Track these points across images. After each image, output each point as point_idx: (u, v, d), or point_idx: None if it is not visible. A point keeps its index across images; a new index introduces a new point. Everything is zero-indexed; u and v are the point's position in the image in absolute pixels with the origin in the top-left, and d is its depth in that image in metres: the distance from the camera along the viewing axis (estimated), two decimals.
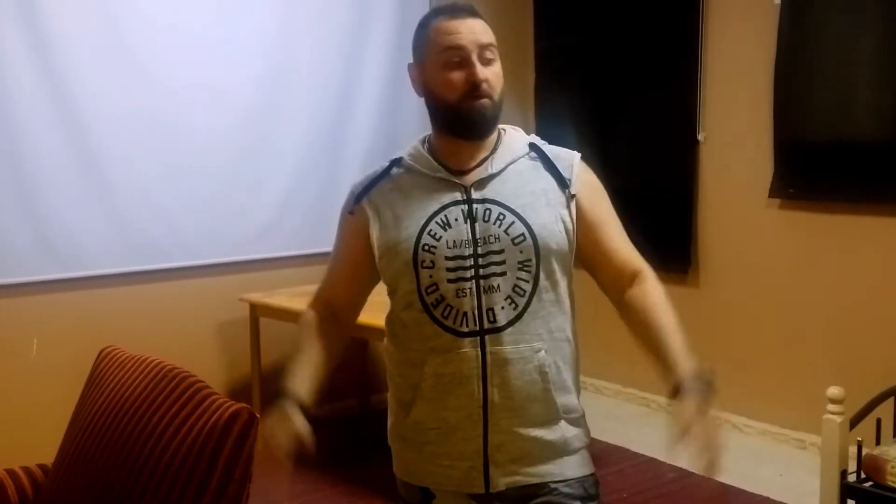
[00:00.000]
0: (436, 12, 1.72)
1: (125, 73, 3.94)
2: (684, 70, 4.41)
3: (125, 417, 2.03)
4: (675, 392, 1.63)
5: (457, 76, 1.65)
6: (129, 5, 3.94)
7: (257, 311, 4.12)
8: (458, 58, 1.65)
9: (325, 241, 4.40)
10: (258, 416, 1.86)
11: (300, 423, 1.70)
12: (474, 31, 1.65)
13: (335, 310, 1.85)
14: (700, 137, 4.40)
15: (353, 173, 4.35)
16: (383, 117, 4.65)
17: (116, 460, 1.96)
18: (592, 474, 1.78)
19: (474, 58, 1.64)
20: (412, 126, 4.58)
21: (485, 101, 1.65)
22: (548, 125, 4.98)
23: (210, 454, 1.79)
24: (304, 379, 1.79)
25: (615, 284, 1.76)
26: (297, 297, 4.08)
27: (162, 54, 4.02)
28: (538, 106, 5.15)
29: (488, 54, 1.66)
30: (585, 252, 1.74)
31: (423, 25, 1.73)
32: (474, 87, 1.64)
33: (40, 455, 2.47)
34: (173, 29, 4.05)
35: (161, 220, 4.09)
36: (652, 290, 1.74)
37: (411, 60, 1.76)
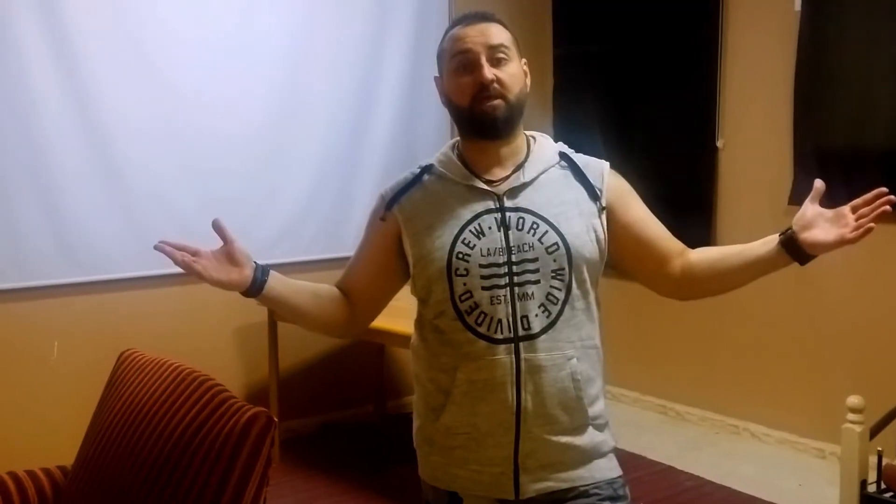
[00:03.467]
0: (454, 23, 1.74)
1: (146, 82, 3.97)
2: (703, 76, 4.40)
3: (144, 420, 2.04)
4: (786, 237, 1.67)
5: (466, 80, 1.67)
6: (150, 16, 3.97)
7: (275, 315, 4.13)
8: (467, 62, 1.67)
9: (342, 246, 4.46)
10: (275, 420, 1.86)
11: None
12: (484, 33, 1.67)
13: (351, 302, 1.82)
14: (719, 144, 4.39)
15: (370, 181, 4.46)
16: (401, 126, 4.66)
17: (135, 463, 1.97)
18: (620, 476, 1.79)
19: (483, 60, 1.66)
20: (430, 134, 4.60)
21: (496, 101, 1.66)
22: (566, 132, 4.97)
23: (228, 458, 1.80)
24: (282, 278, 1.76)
25: (664, 269, 1.78)
26: None
27: (182, 64, 4.05)
28: (556, 113, 5.15)
29: (500, 55, 1.67)
30: (627, 251, 1.77)
31: (443, 38, 1.75)
32: (483, 89, 1.65)
33: (60, 457, 2.49)
34: (193, 39, 4.07)
35: (180, 225, 4.11)
36: (705, 250, 1.81)
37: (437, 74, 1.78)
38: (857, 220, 1.61)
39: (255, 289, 1.70)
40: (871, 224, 1.59)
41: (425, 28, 4.69)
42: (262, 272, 1.71)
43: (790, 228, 1.66)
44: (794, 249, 1.65)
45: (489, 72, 1.65)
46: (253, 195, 4.31)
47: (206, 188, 4.16)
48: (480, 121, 1.68)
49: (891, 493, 2.77)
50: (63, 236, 3.84)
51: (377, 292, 1.82)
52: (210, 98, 4.14)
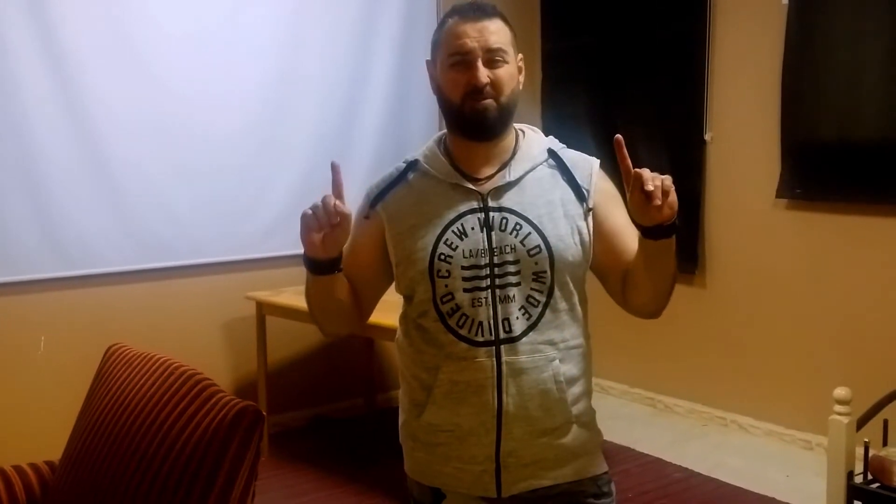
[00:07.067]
0: (454, 12, 1.70)
1: (134, 78, 3.96)
2: (691, 70, 4.41)
3: (132, 414, 2.03)
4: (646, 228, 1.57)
5: (461, 78, 1.65)
6: (138, 12, 3.96)
7: (264, 309, 4.13)
8: (463, 61, 1.65)
9: None
10: (264, 413, 1.86)
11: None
12: (483, 33, 1.64)
13: None
14: (707, 137, 4.40)
15: (360, 174, 4.45)
16: (390, 118, 4.66)
17: (123, 457, 1.96)
18: (605, 473, 1.78)
19: (479, 62, 1.64)
20: (419, 127, 4.59)
21: (487, 101, 1.65)
22: (555, 126, 4.97)
23: (216, 452, 1.80)
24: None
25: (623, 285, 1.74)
26: (302, 295, 4.08)
27: (170, 59, 4.04)
28: (545, 107, 5.15)
29: (496, 58, 1.65)
30: (599, 259, 1.73)
31: (441, 25, 1.72)
32: (475, 90, 1.64)
33: (48, 452, 2.48)
34: (182, 34, 4.06)
35: (168, 219, 4.11)
36: None
37: (428, 58, 1.76)
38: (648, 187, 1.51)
39: (337, 261, 1.64)
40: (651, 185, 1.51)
41: (414, 22, 4.68)
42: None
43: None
44: (641, 230, 1.58)
45: (483, 75, 1.64)
46: (243, 189, 4.31)
47: (195, 183, 4.15)
48: (470, 120, 1.67)
49: (878, 484, 2.79)
50: (51, 231, 3.82)
51: (369, 295, 1.80)
52: (199, 93, 4.13)
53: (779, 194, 4.10)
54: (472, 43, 1.64)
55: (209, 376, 2.04)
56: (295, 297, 4.02)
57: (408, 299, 1.74)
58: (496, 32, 1.66)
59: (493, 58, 1.65)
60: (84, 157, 3.87)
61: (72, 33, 3.79)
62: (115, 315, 3.98)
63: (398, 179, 1.75)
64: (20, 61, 3.69)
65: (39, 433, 3.38)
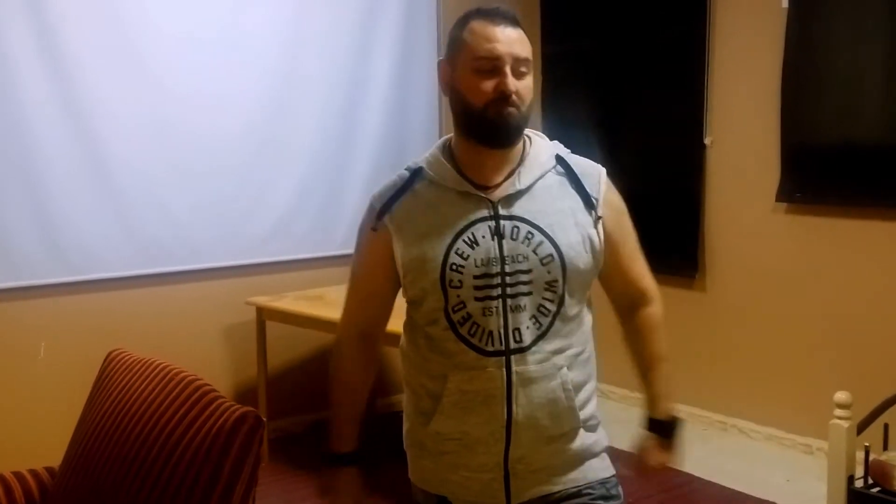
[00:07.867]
0: (477, 13, 1.66)
1: (134, 80, 3.96)
2: (691, 74, 4.41)
3: (132, 420, 2.03)
4: (647, 427, 1.88)
5: (487, 84, 1.61)
6: (138, 13, 3.96)
7: (264, 315, 4.12)
8: (492, 66, 1.61)
9: (332, 244, 4.45)
10: (264, 419, 1.86)
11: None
12: (512, 41, 1.62)
13: (367, 330, 1.81)
14: (707, 141, 4.40)
15: (361, 178, 4.45)
16: (391, 122, 4.66)
17: (123, 463, 1.96)
18: (613, 475, 1.79)
19: (507, 69, 1.61)
20: (420, 131, 4.59)
21: (511, 109, 1.61)
22: (555, 130, 4.97)
23: (216, 457, 1.79)
24: (351, 435, 1.94)
25: (620, 299, 1.81)
26: (303, 300, 4.09)
27: (170, 61, 4.04)
28: (545, 111, 5.15)
29: (522, 68, 1.63)
30: (601, 268, 1.74)
31: (462, 24, 1.67)
32: (503, 97, 1.61)
33: (47, 458, 2.48)
34: (182, 37, 4.07)
35: (169, 224, 4.11)
36: (650, 318, 1.83)
37: (442, 57, 1.72)
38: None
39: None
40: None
41: (414, 24, 4.69)
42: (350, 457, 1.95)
43: (652, 424, 1.94)
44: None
45: (513, 84, 1.61)
46: (243, 193, 4.31)
47: (195, 186, 4.15)
48: (493, 125, 1.62)
49: (878, 489, 2.79)
50: (52, 235, 3.82)
51: (389, 308, 1.80)
52: (199, 96, 4.13)
53: (778, 198, 4.10)
54: (502, 48, 1.61)
55: (209, 382, 2.04)
56: (295, 303, 4.02)
57: (414, 305, 1.72)
58: (523, 42, 1.64)
59: (519, 68, 1.62)
60: (84, 159, 3.87)
61: (71, 34, 3.79)
62: (116, 320, 3.97)
63: (403, 189, 1.71)
64: (19, 62, 3.69)
65: (39, 439, 3.38)
